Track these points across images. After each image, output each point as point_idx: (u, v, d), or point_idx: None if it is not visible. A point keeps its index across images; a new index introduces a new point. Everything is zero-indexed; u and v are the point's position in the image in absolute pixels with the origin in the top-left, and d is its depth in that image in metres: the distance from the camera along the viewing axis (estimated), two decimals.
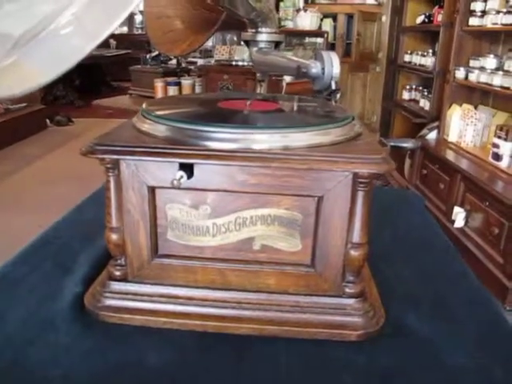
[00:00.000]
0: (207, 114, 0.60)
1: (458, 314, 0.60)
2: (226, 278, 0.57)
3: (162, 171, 0.52)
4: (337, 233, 0.54)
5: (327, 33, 3.28)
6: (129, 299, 0.58)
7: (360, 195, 0.52)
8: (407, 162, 3.27)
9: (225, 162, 0.50)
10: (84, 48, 0.43)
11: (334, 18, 4.21)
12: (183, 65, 2.69)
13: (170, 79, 2.32)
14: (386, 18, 3.89)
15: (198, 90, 2.28)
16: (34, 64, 0.48)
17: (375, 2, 3.90)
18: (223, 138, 0.51)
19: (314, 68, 0.67)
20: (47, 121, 3.77)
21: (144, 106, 0.61)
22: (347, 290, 0.56)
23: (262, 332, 0.55)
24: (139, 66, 2.53)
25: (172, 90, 2.25)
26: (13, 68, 0.49)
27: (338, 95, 0.70)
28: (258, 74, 0.96)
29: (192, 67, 2.77)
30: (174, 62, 2.74)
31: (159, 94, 2.27)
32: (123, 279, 0.58)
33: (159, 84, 2.27)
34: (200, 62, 2.99)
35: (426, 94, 3.30)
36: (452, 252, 0.79)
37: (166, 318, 0.56)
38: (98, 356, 0.51)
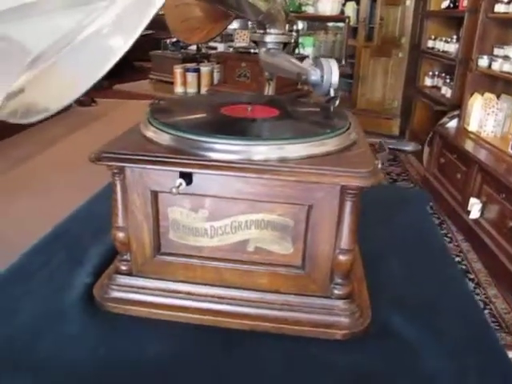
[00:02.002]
0: (208, 122, 0.64)
1: (444, 319, 0.63)
2: (222, 276, 0.61)
3: (164, 178, 0.56)
4: (326, 238, 0.57)
5: (348, 18, 3.24)
6: (133, 292, 0.63)
7: (348, 205, 0.55)
8: (426, 149, 3.24)
9: (221, 171, 0.54)
10: (122, 47, 0.43)
11: (358, 1, 4.14)
12: (203, 50, 2.71)
13: (189, 65, 2.34)
14: (410, 2, 3.80)
15: (216, 76, 2.30)
16: (68, 74, 0.50)
17: None
18: (221, 149, 0.55)
19: (314, 75, 0.70)
20: None
21: (149, 110, 0.65)
22: (335, 291, 0.60)
23: (253, 327, 0.59)
24: (159, 51, 2.56)
25: (191, 77, 2.28)
26: (40, 83, 0.52)
27: (337, 101, 0.73)
28: (266, 73, 0.98)
29: (213, 52, 2.78)
30: (193, 47, 2.75)
31: (178, 81, 2.30)
32: (128, 273, 0.63)
33: (178, 70, 2.30)
34: (220, 47, 2.99)
35: (448, 81, 3.24)
36: (447, 256, 0.81)
37: (166, 310, 0.61)
38: (102, 343, 0.57)
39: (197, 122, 0.63)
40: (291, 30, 2.79)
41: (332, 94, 0.70)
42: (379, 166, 0.68)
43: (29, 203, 2.52)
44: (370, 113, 4.31)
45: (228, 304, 0.61)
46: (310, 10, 3.08)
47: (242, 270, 0.60)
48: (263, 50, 0.90)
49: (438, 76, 3.45)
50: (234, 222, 0.58)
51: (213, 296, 0.62)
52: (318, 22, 3.28)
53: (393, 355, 0.56)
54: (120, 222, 0.60)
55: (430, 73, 3.54)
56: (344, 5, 4.15)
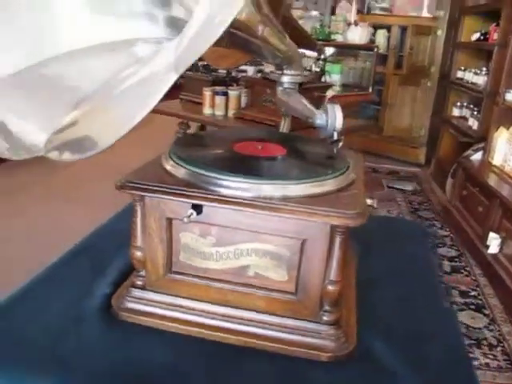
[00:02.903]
0: (220, 159, 0.72)
1: (426, 349, 0.69)
2: (224, 296, 0.69)
3: (178, 207, 0.64)
4: (316, 270, 0.64)
5: (377, 47, 3.31)
6: (145, 304, 0.71)
7: (337, 241, 0.62)
8: (449, 180, 3.25)
9: (227, 205, 0.62)
10: (171, 80, 0.45)
11: (389, 28, 4.21)
12: (233, 74, 2.82)
13: (218, 88, 2.45)
14: (441, 32, 3.85)
15: (243, 100, 2.40)
16: (119, 111, 0.54)
17: (430, 15, 3.87)
18: (228, 185, 0.63)
19: (320, 120, 0.78)
20: None
21: (172, 145, 0.74)
22: (324, 317, 0.66)
23: (250, 344, 0.67)
24: (190, 73, 2.68)
25: (219, 100, 2.38)
26: (89, 120, 0.59)
27: (341, 144, 0.80)
28: (282, 109, 1.06)
29: (242, 75, 2.89)
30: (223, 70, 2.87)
31: (207, 102, 2.41)
32: (142, 288, 0.72)
33: (207, 93, 2.41)
34: (250, 70, 3.09)
35: (475, 113, 3.25)
36: (441, 291, 0.86)
37: (172, 323, 0.69)
38: (115, 348, 0.65)
39: (209, 158, 0.71)
40: (319, 59, 2.87)
41: (335, 137, 0.78)
42: (375, 205, 0.75)
43: (68, 210, 2.68)
44: (397, 140, 4.34)
45: (228, 321, 0.68)
46: (339, 38, 3.17)
47: (242, 292, 0.68)
48: (280, 88, 0.97)
49: (466, 107, 3.47)
50: (237, 250, 0.66)
51: (215, 313, 0.69)
52: (347, 50, 3.37)
53: (371, 378, 0.62)
54: (138, 242, 0.69)
55: (458, 103, 3.56)
56: (375, 32, 4.24)
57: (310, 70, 2.46)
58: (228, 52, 2.27)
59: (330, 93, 2.35)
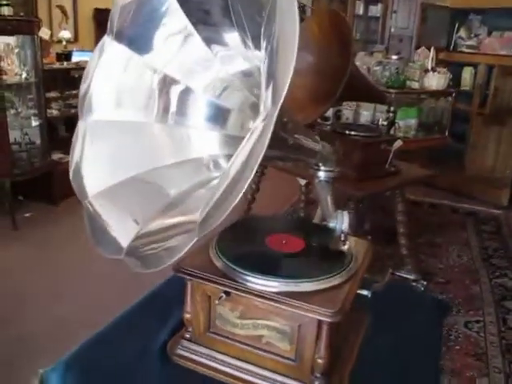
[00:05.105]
0: (247, 256, 0.96)
1: None
2: (245, 355, 0.94)
3: (215, 289, 0.91)
4: (309, 346, 0.86)
5: (453, 93, 3.35)
6: (191, 353, 0.98)
7: (324, 328, 0.84)
8: None
9: (248, 295, 0.87)
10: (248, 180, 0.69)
11: (475, 66, 4.18)
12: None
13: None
14: None
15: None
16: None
17: None
18: (250, 280, 0.87)
19: (332, 223, 1.00)
20: None
21: (217, 235, 1.01)
22: (315, 382, 0.88)
23: None
24: None
25: None
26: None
27: (347, 244, 1.01)
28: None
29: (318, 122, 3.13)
30: None
31: None
32: (189, 340, 0.99)
33: None
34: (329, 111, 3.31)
35: None
36: (437, 373, 1.02)
37: (209, 370, 0.95)
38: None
39: (240, 253, 0.96)
40: (388, 111, 3.07)
41: (342, 238, 1.00)
42: (369, 296, 0.95)
43: None
44: (480, 180, 4.26)
45: (247, 374, 0.93)
46: (414, 85, 3.26)
47: (258, 354, 0.92)
48: (317, 181, 1.19)
49: None
50: (255, 323, 0.91)
51: (239, 366, 0.94)
52: (424, 95, 3.45)
53: None
54: (188, 307, 0.97)
55: None
56: (461, 69, 4.22)
57: (377, 125, 2.63)
58: (299, 104, 2.56)
59: (396, 144, 2.50)
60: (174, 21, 0.97)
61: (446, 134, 3.32)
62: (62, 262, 3.02)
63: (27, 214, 3.62)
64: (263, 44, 0.80)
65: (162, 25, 0.98)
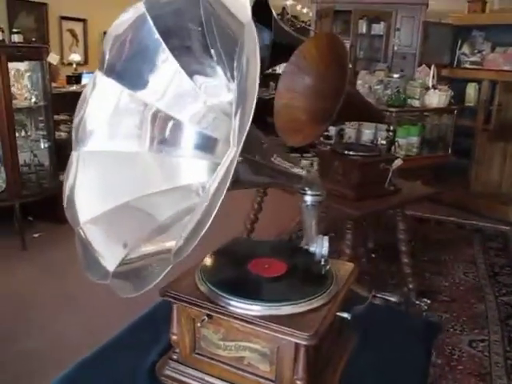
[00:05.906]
0: (229, 281, 1.00)
1: None
2: (229, 375, 0.97)
3: (198, 313, 0.95)
4: (288, 367, 0.89)
5: (455, 110, 3.37)
6: (178, 373, 1.02)
7: (301, 350, 0.87)
8: None
9: (229, 318, 0.90)
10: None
11: (479, 82, 4.20)
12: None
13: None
14: None
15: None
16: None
17: None
18: (231, 304, 0.91)
19: (312, 247, 1.04)
20: None
21: (203, 261, 1.04)
22: None
23: None
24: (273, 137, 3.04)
25: None
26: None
27: (328, 266, 1.04)
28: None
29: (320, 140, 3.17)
30: None
31: None
32: (177, 361, 1.02)
33: None
34: (332, 130, 3.36)
35: None
36: None
37: None
38: None
39: (222, 278, 1.00)
40: (388, 130, 3.11)
41: (322, 263, 1.03)
42: (349, 318, 0.98)
43: None
44: (486, 196, 4.25)
45: None
46: (415, 103, 3.30)
47: (240, 375, 0.95)
48: (304, 205, 1.22)
49: None
50: (237, 345, 0.94)
51: None
52: (426, 113, 3.48)
53: None
54: (174, 329, 1.01)
55: None
56: (466, 85, 4.25)
57: (375, 144, 2.66)
58: (299, 126, 2.61)
59: (396, 163, 2.53)
60: (162, 56, 1.03)
61: (449, 151, 3.33)
62: (69, 281, 3.08)
63: (36, 235, 3.70)
64: (236, 76, 0.85)
65: (150, 59, 1.04)
